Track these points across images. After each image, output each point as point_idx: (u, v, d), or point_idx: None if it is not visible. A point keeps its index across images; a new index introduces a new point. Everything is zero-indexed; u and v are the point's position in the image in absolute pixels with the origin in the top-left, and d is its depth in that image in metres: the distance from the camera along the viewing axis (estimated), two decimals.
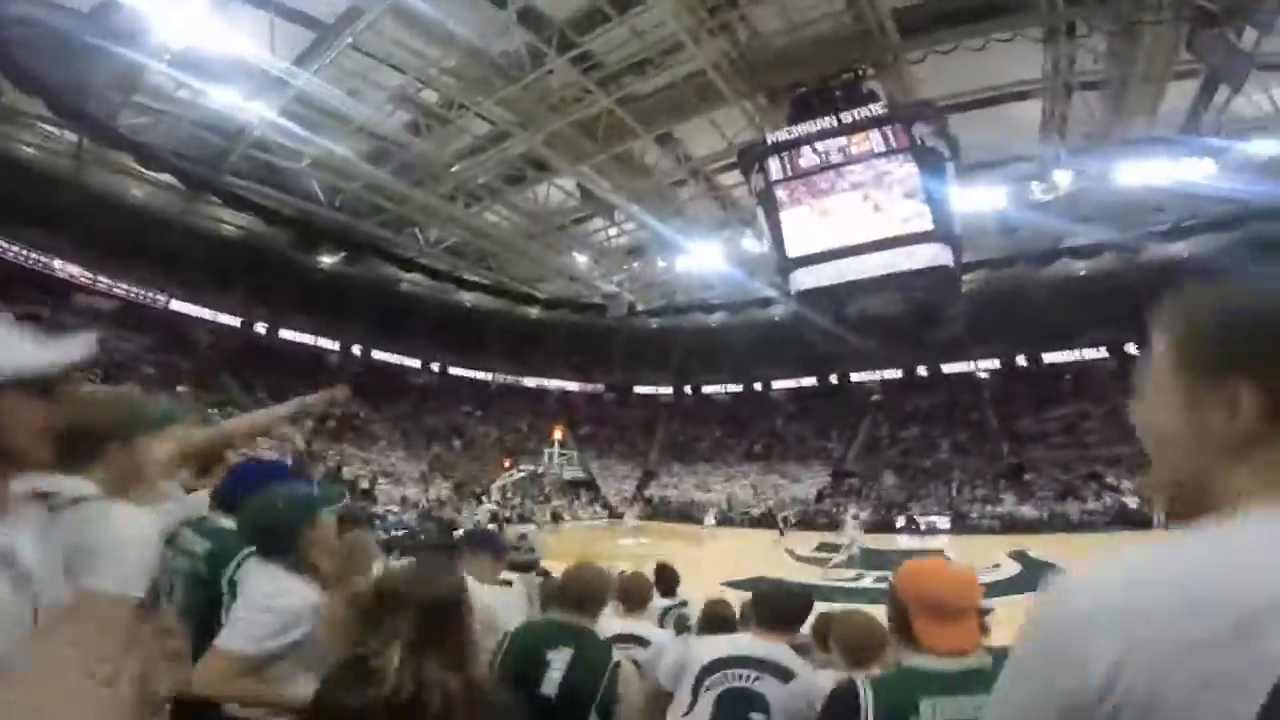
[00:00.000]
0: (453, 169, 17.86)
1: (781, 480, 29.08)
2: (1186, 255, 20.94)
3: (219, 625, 1.74)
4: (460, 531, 10.69)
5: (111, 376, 18.11)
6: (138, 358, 22.42)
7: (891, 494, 25.96)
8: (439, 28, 12.33)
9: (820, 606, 2.54)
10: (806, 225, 13.56)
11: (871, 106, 12.64)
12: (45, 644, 0.60)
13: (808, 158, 13.34)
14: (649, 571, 3.94)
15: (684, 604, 4.25)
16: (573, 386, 36.96)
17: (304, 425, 20.96)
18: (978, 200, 15.63)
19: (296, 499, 1.88)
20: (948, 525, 22.35)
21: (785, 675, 1.85)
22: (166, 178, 18.59)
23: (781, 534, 20.04)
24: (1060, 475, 23.35)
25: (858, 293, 13.60)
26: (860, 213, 12.96)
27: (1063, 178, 15.11)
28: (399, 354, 31.94)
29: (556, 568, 3.95)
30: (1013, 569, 13.46)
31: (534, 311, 30.66)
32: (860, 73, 13.10)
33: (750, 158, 14.03)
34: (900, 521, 23.09)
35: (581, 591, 2.11)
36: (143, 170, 18.63)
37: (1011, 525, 20.69)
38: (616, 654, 2.00)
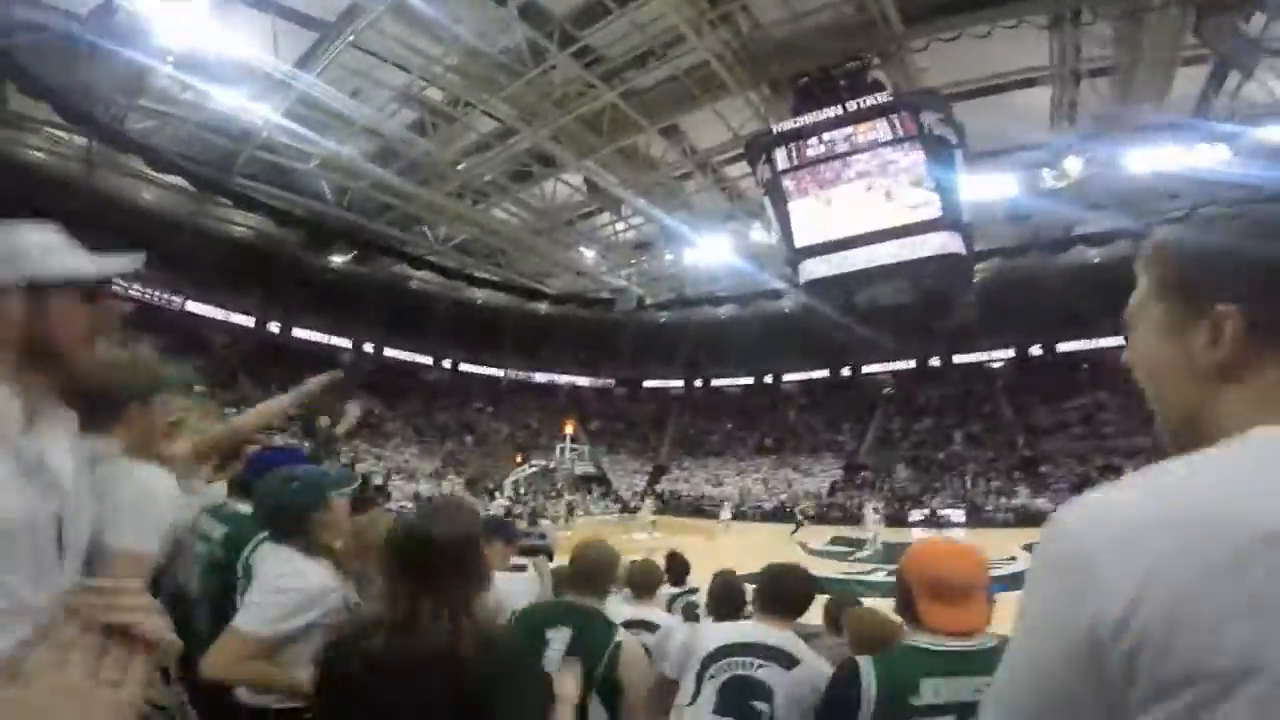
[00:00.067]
0: (459, 166, 17.91)
1: (794, 474, 29.00)
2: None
3: (234, 610, 1.77)
4: None
5: None
6: None
7: (905, 487, 25.82)
8: (440, 25, 12.34)
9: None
10: (814, 215, 13.51)
11: (877, 95, 12.55)
12: (53, 639, 0.63)
13: (814, 147, 13.27)
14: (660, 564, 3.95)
15: (693, 591, 4.26)
16: (583, 381, 37.01)
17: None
18: (987, 188, 15.46)
19: (308, 482, 1.91)
20: (963, 518, 22.22)
21: (789, 662, 1.84)
22: (176, 180, 18.75)
23: (797, 528, 19.96)
24: (1077, 467, 23.13)
25: (867, 282, 13.54)
26: (868, 201, 12.89)
27: (1073, 165, 14.91)
28: (411, 351, 32.15)
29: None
30: (1028, 562, 13.32)
31: (543, 307, 30.71)
32: (864, 61, 12.99)
33: (756, 148, 13.98)
34: (915, 515, 22.97)
35: (589, 569, 2.10)
36: (152, 173, 18.81)
37: (1027, 518, 20.50)
38: (622, 635, 1.98)
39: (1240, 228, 0.60)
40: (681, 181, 19.22)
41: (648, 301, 27.37)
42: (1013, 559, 13.49)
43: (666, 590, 3.99)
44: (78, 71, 13.66)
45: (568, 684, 1.61)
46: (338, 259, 27.11)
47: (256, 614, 1.66)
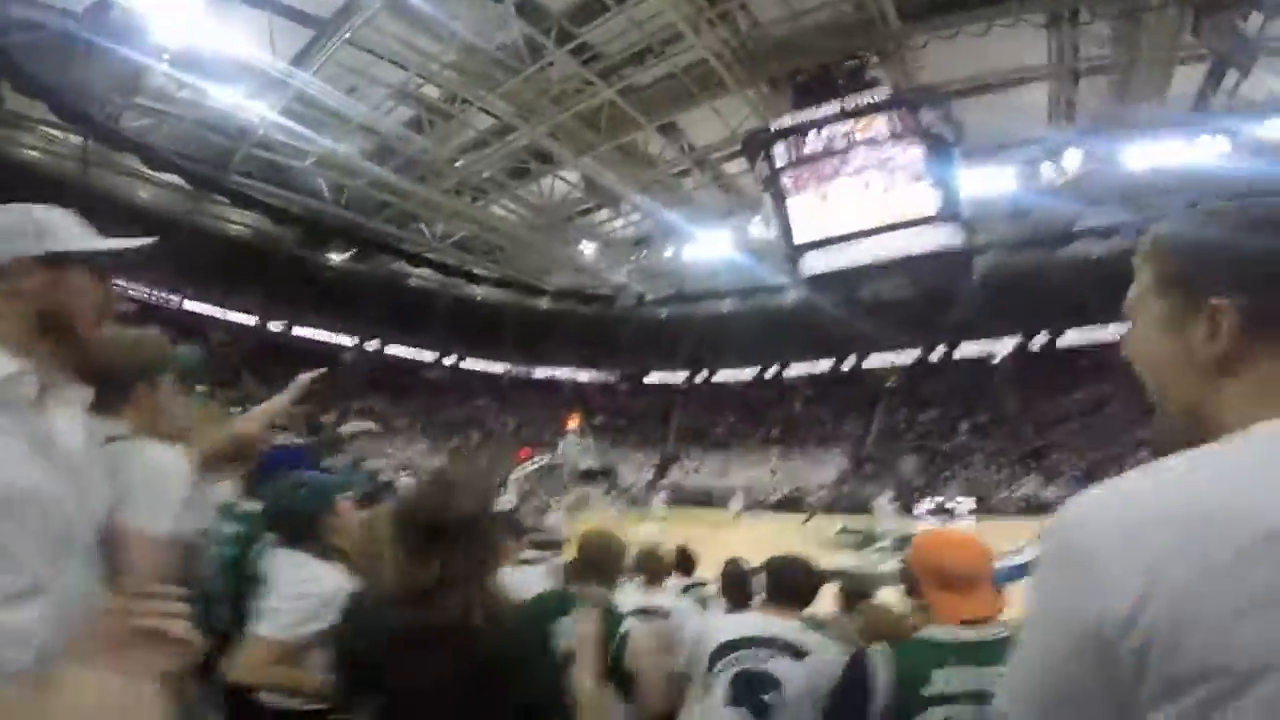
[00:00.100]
0: (457, 164, 17.89)
1: (801, 466, 29.04)
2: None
3: (248, 607, 1.79)
4: None
5: None
6: None
7: (912, 478, 25.82)
8: (437, 22, 12.31)
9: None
10: (813, 210, 13.55)
11: (875, 92, 12.57)
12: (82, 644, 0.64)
13: (812, 143, 13.30)
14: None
15: (702, 584, 4.25)
16: (585, 377, 36.99)
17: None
18: (987, 184, 15.48)
19: (314, 487, 1.92)
20: (972, 508, 22.23)
21: (797, 653, 1.82)
22: (172, 179, 18.68)
23: (809, 517, 19.96)
24: (1087, 453, 23.11)
25: (868, 277, 13.59)
26: (866, 197, 12.92)
27: (1072, 161, 14.93)
28: (414, 348, 32.12)
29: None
30: (1036, 552, 13.31)
31: (544, 303, 30.70)
32: (863, 59, 13.00)
33: (755, 144, 14.01)
34: (922, 506, 22.94)
35: (596, 557, 2.10)
36: (148, 172, 18.72)
37: (1035, 508, 20.48)
38: (629, 624, 1.96)
39: (1237, 222, 0.61)
40: (680, 178, 19.21)
41: (648, 297, 27.37)
42: (1020, 549, 13.50)
43: (675, 583, 4.00)
44: (73, 70, 13.57)
45: (586, 626, 1.59)
46: (336, 257, 27.08)
47: (276, 620, 1.68)
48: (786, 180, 13.69)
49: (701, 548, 4.88)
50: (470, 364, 33.93)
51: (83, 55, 12.89)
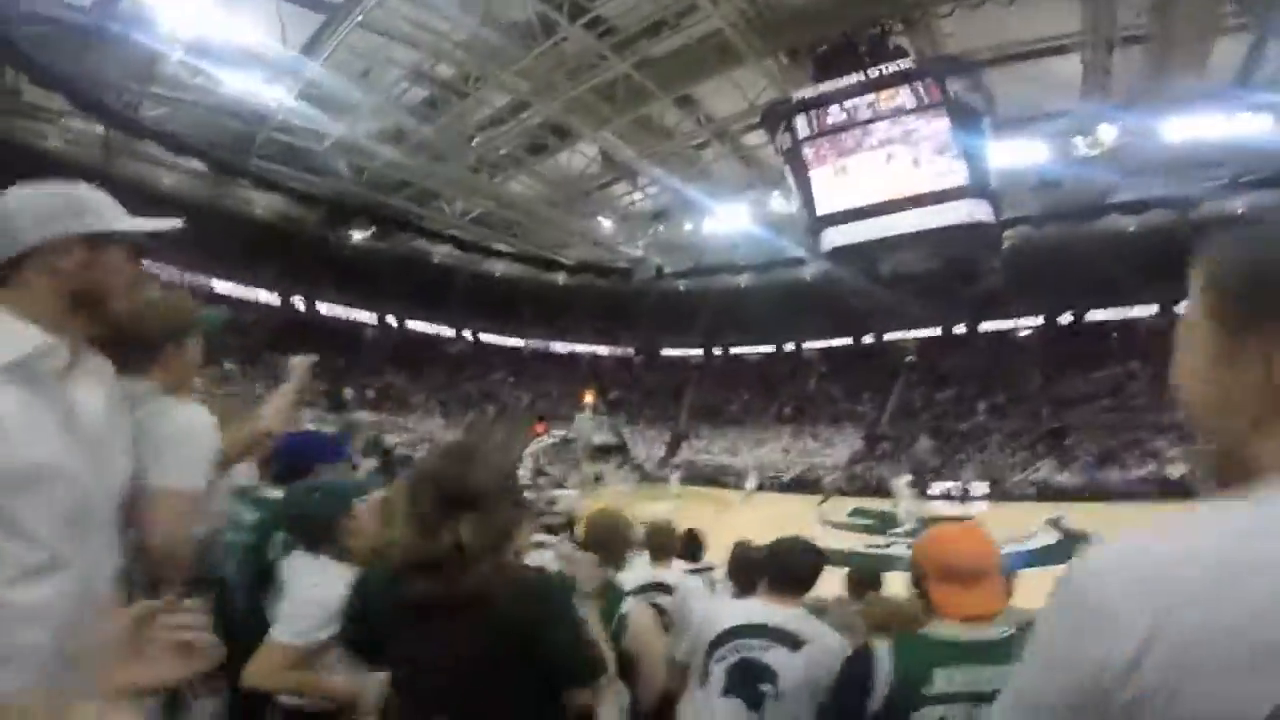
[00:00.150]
0: (474, 141, 17.84)
1: (813, 444, 28.90)
2: (1243, 212, 19.86)
3: (266, 598, 1.84)
4: None
5: None
6: None
7: (926, 459, 25.57)
8: (448, 1, 12.16)
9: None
10: (835, 183, 13.29)
11: (900, 62, 12.18)
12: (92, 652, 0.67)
13: (835, 115, 13.00)
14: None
15: (710, 569, 4.26)
16: (602, 351, 37.08)
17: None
18: (1017, 156, 14.99)
19: (329, 492, 1.93)
20: (985, 491, 22.02)
21: (794, 643, 1.81)
22: (195, 164, 18.88)
23: (825, 499, 19.90)
24: (1104, 440, 22.67)
25: (891, 250, 13.35)
26: (891, 169, 12.64)
27: (1107, 133, 14.36)
28: (433, 323, 32.45)
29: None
30: (1050, 538, 13.20)
31: (561, 278, 30.75)
32: (886, 28, 12.58)
33: (776, 116, 13.72)
34: (936, 488, 22.75)
35: (602, 536, 2.11)
36: (171, 158, 18.89)
37: (1050, 493, 20.20)
38: (629, 605, 1.96)
39: None
40: (698, 150, 18.93)
41: (666, 270, 27.22)
42: (1033, 534, 13.36)
43: (681, 566, 4.01)
44: (86, 60, 13.66)
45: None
46: (357, 235, 27.38)
47: (292, 625, 1.70)
48: (808, 152, 13.41)
49: (712, 527, 4.84)
50: (489, 339, 34.23)
51: (96, 46, 12.94)
